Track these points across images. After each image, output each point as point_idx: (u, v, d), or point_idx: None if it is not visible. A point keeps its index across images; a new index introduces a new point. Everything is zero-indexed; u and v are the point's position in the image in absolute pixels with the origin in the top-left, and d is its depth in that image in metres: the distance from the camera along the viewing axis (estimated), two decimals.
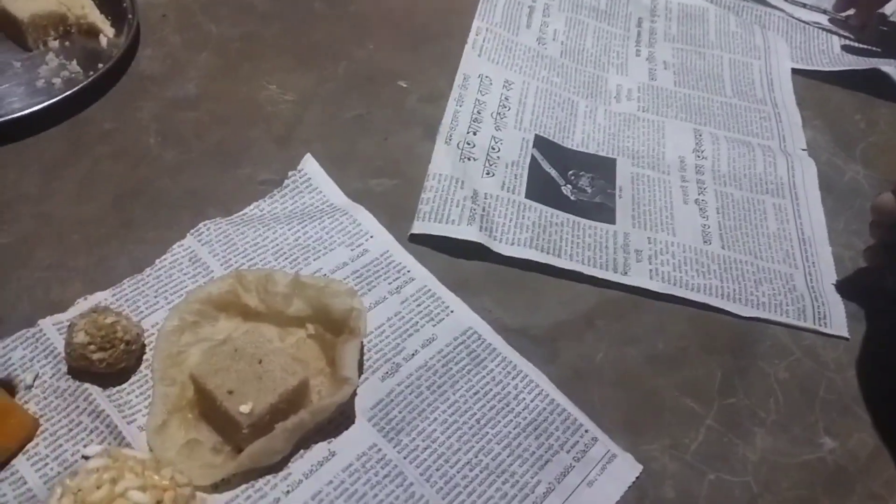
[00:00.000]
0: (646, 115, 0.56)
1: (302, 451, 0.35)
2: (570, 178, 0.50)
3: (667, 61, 0.62)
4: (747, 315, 0.44)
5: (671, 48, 0.64)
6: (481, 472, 0.35)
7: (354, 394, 0.37)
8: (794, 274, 0.47)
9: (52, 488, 0.28)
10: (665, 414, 0.40)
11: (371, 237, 0.44)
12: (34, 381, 0.35)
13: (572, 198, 0.49)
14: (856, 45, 0.66)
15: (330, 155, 0.48)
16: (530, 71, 0.57)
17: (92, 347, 0.34)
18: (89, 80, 0.48)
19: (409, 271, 0.43)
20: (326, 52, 0.56)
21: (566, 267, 0.44)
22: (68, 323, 0.36)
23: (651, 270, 0.45)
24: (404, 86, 0.55)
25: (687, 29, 0.66)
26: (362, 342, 0.38)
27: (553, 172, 0.50)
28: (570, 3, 0.65)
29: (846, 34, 0.67)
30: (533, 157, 0.50)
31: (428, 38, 0.59)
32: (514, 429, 0.37)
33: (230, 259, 0.42)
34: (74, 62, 0.50)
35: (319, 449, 0.35)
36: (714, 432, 0.39)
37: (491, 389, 0.39)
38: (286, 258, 0.42)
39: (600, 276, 0.44)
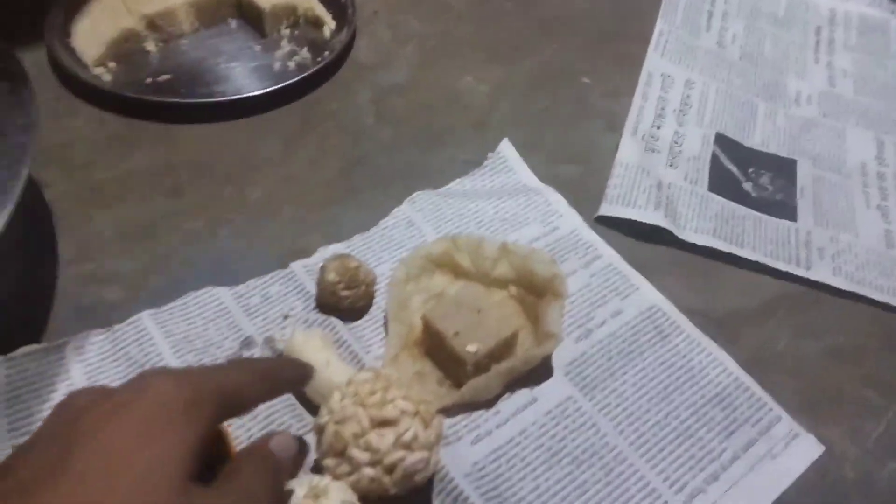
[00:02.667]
0: (826, 121, 0.57)
1: (509, 393, 0.39)
2: (751, 175, 0.52)
3: (846, 70, 0.62)
4: None
5: (850, 57, 0.64)
6: (670, 432, 0.39)
7: None
8: None
9: (330, 393, 0.35)
10: (845, 403, 0.41)
11: (560, 216, 0.49)
12: (289, 312, 0.42)
13: (753, 194, 0.51)
14: None
15: (521, 141, 0.53)
16: (711, 72, 0.59)
17: (340, 286, 0.41)
18: (318, 66, 0.55)
19: (596, 249, 0.47)
20: (515, 49, 0.61)
21: (749, 257, 0.47)
22: (320, 265, 0.42)
23: (834, 268, 0.46)
24: (587, 82, 0.59)
25: (868, 40, 0.66)
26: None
27: (734, 169, 0.52)
28: (749, 9, 0.67)
29: None
30: (714, 154, 0.53)
31: (608, 39, 0.63)
32: (700, 399, 0.40)
33: (440, 225, 0.47)
34: (305, 49, 0.57)
35: (523, 394, 0.39)
36: None
37: (676, 362, 0.42)
38: (487, 228, 0.47)
39: (783, 268, 0.46)
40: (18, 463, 0.23)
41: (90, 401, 0.24)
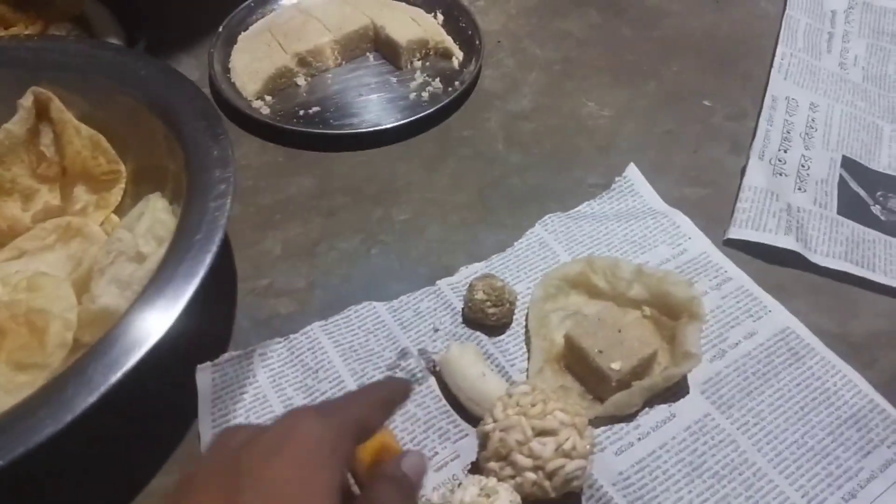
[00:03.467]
0: None
1: (648, 408, 0.42)
2: (879, 199, 0.52)
3: None
4: None
5: None
6: (807, 451, 0.40)
7: None
8: None
9: (487, 402, 0.38)
10: None
11: (689, 238, 0.50)
12: (439, 326, 0.46)
13: (882, 218, 0.51)
14: None
15: (646, 164, 0.55)
16: (834, 94, 0.60)
17: (488, 304, 0.44)
18: (451, 96, 0.59)
19: (726, 271, 0.49)
20: (636, 73, 0.63)
21: (881, 282, 0.47)
22: (468, 283, 0.46)
23: None
24: (709, 104, 0.60)
25: None
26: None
27: (861, 192, 0.53)
28: (870, 29, 0.66)
29: None
30: (841, 177, 0.53)
31: (729, 61, 0.64)
32: (836, 420, 0.41)
33: (571, 247, 0.50)
34: (437, 80, 0.62)
35: (662, 410, 0.42)
36: None
37: (811, 384, 0.43)
38: (617, 250, 0.50)
39: None
40: (187, 498, 0.26)
41: (246, 438, 0.27)
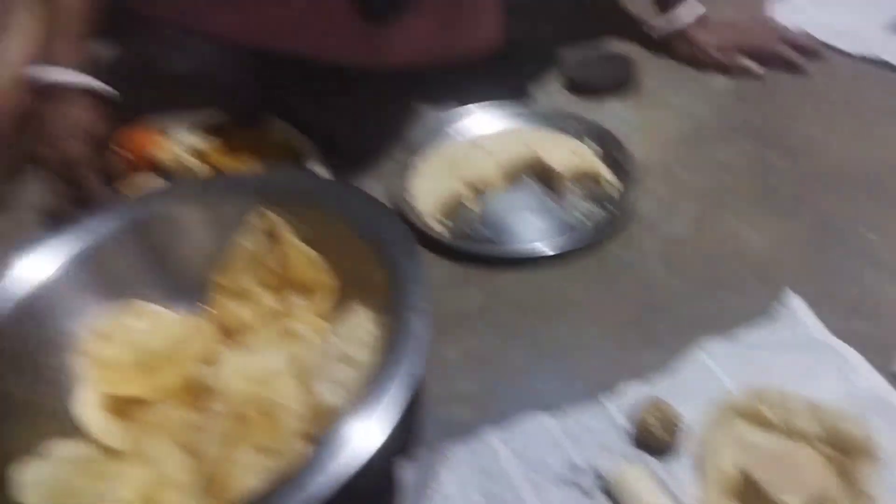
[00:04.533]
0: None
1: None
2: None
3: None
4: None
5: None
6: None
7: None
8: None
9: None
10: None
11: (858, 373, 0.51)
12: (608, 445, 0.48)
13: None
14: None
15: (806, 293, 0.56)
16: None
17: (657, 427, 0.47)
18: (609, 220, 0.64)
19: None
20: (789, 202, 0.66)
21: None
22: (633, 405, 0.49)
23: None
24: (873, 238, 0.61)
25: None
26: None
27: None
28: None
29: None
30: None
31: (887, 190, 0.65)
32: None
33: (735, 374, 0.51)
34: (593, 204, 0.67)
35: None
36: None
37: None
38: (782, 380, 0.51)
39: None
40: None
41: None
